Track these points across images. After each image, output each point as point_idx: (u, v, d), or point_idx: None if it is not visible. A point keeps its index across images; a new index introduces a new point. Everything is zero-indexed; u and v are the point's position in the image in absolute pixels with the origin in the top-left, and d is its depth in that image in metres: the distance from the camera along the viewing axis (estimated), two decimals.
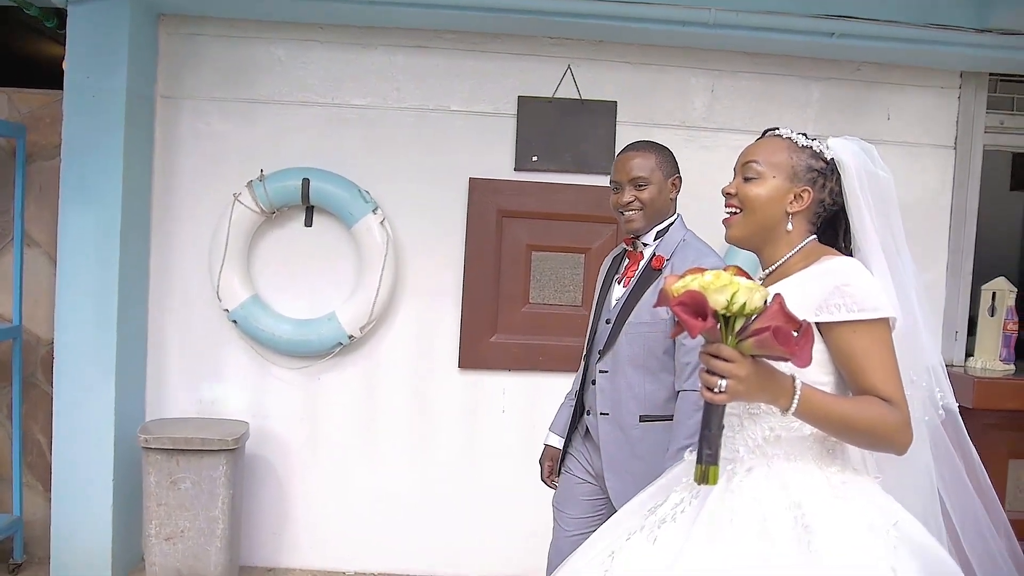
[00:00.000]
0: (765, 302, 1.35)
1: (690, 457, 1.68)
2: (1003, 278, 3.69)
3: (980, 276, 3.82)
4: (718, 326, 1.35)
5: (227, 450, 3.25)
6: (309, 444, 3.67)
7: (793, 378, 1.42)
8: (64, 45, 4.84)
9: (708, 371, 1.37)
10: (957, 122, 3.78)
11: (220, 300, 3.52)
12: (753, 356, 1.36)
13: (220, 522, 3.27)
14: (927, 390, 1.66)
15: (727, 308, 1.32)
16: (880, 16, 3.38)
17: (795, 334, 1.31)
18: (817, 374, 1.52)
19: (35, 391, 3.63)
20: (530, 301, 3.66)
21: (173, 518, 3.25)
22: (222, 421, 3.51)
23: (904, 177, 3.74)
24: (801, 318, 1.35)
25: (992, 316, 3.67)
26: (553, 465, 2.47)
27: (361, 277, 3.54)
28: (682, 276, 1.37)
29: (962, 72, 3.76)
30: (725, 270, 1.36)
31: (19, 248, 3.46)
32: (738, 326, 1.35)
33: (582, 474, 2.36)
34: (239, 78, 3.60)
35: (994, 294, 3.67)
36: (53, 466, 3.35)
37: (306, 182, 3.48)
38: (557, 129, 3.64)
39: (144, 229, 3.56)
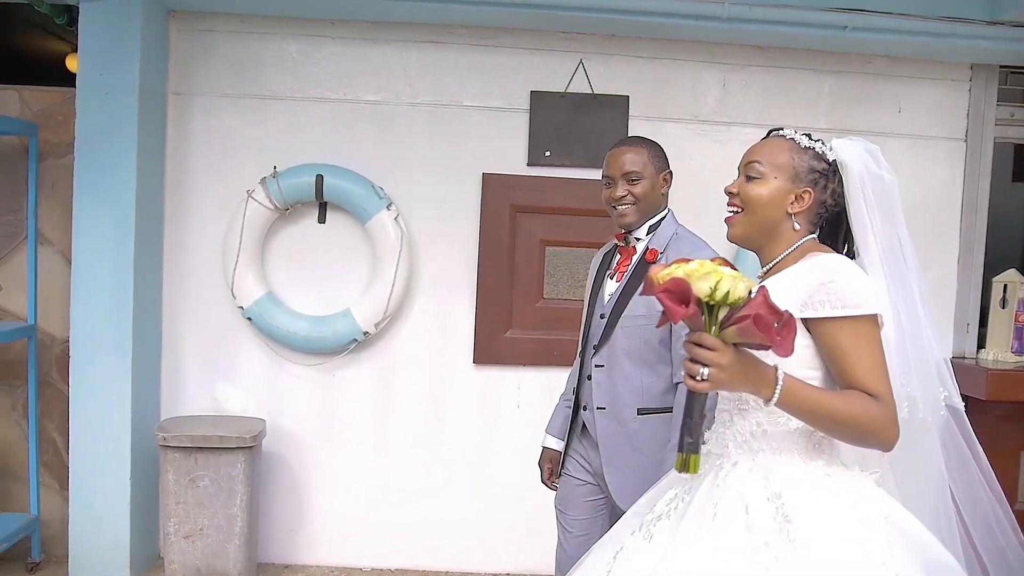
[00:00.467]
0: (750, 293, 1.36)
1: (706, 447, 1.69)
2: (1014, 270, 3.70)
3: (988, 268, 3.84)
4: (703, 316, 1.37)
5: (245, 448, 3.25)
6: (324, 441, 3.67)
7: (776, 368, 1.43)
8: (67, 42, 4.84)
9: (691, 360, 1.38)
10: (968, 115, 3.79)
11: (235, 297, 3.52)
12: (736, 345, 1.38)
13: (239, 520, 3.28)
14: (932, 389, 1.66)
15: (711, 296, 1.33)
16: (892, 9, 3.39)
17: (776, 325, 1.33)
18: (804, 369, 1.53)
19: (50, 390, 3.62)
20: (544, 296, 3.66)
21: (192, 516, 3.25)
22: (239, 419, 3.51)
23: (915, 170, 3.76)
24: (783, 309, 1.36)
25: (1003, 308, 3.69)
26: (553, 467, 2.47)
27: (376, 273, 3.54)
28: (668, 265, 1.39)
29: (972, 65, 3.77)
30: (711, 261, 1.37)
31: (33, 246, 3.44)
32: (722, 315, 1.37)
33: (581, 475, 2.37)
34: (251, 74, 3.59)
35: (1005, 286, 3.69)
36: (70, 465, 3.35)
37: (320, 178, 3.48)
38: (569, 124, 3.64)
39: (157, 226, 3.56)
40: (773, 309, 1.33)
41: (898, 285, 1.62)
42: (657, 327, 1.50)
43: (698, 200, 3.28)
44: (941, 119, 3.79)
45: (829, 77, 3.75)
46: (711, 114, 3.73)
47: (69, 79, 3.44)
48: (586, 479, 2.36)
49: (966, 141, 3.80)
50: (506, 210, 3.61)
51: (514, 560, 3.69)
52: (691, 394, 1.40)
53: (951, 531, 1.65)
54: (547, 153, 3.64)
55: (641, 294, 1.50)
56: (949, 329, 3.79)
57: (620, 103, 3.67)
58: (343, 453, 3.68)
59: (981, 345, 3.81)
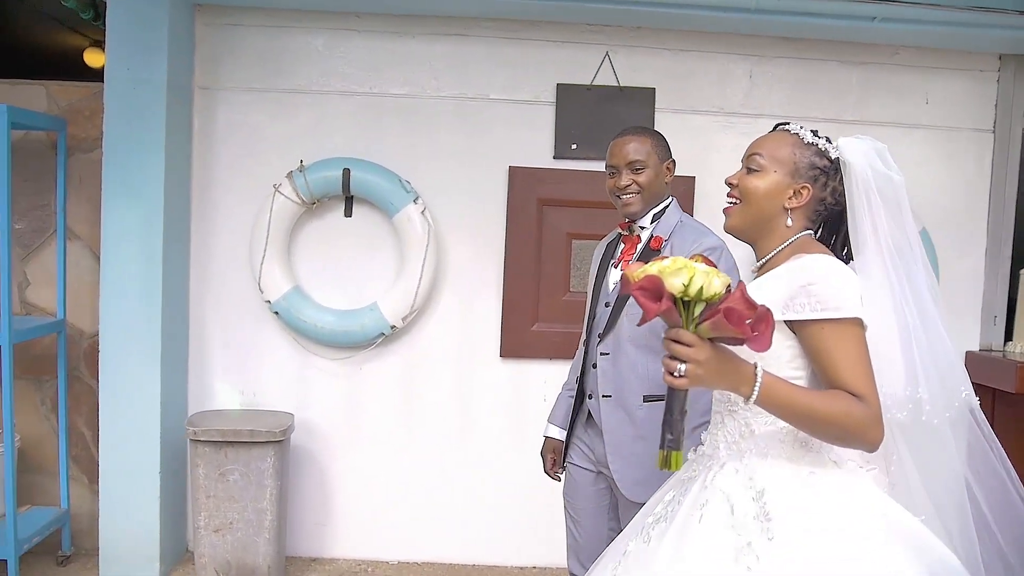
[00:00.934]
0: (728, 289, 1.37)
1: (701, 448, 1.69)
2: None
3: (1016, 260, 3.81)
4: (680, 314, 1.37)
5: (275, 442, 3.26)
6: (351, 435, 3.68)
7: (755, 366, 1.43)
8: (85, 36, 4.84)
9: (669, 356, 1.39)
10: (996, 105, 3.76)
11: (262, 292, 3.52)
12: (713, 341, 1.38)
13: (268, 513, 3.29)
14: (944, 389, 1.63)
15: (684, 292, 1.34)
16: None
17: (752, 320, 1.33)
18: (788, 369, 1.53)
19: (78, 384, 3.63)
20: (571, 289, 3.66)
21: (222, 510, 3.26)
22: (268, 413, 3.52)
23: (942, 162, 3.74)
24: (760, 304, 1.35)
25: None
26: (556, 457, 2.48)
27: (402, 267, 3.54)
28: (644, 264, 1.40)
29: (1001, 55, 3.74)
30: (692, 258, 1.37)
31: (62, 241, 3.45)
32: (698, 311, 1.37)
33: (585, 463, 2.38)
34: (277, 68, 3.59)
35: None
36: (100, 459, 3.36)
37: (347, 172, 3.48)
38: (596, 116, 3.63)
39: (185, 221, 3.56)
40: (748, 303, 1.33)
41: (904, 285, 1.61)
42: (638, 325, 1.51)
43: (723, 193, 3.26)
44: (969, 110, 3.77)
45: (856, 68, 3.73)
46: (738, 106, 3.72)
47: (87, 73, 3.44)
48: (589, 467, 2.37)
49: (994, 132, 3.77)
50: (532, 203, 3.61)
51: (541, 553, 3.68)
52: (671, 391, 1.40)
53: (965, 531, 1.63)
54: (573, 146, 3.63)
55: (620, 293, 1.51)
56: (976, 321, 3.78)
57: (646, 95, 3.65)
58: (370, 446, 3.68)
59: (1009, 337, 3.79)
